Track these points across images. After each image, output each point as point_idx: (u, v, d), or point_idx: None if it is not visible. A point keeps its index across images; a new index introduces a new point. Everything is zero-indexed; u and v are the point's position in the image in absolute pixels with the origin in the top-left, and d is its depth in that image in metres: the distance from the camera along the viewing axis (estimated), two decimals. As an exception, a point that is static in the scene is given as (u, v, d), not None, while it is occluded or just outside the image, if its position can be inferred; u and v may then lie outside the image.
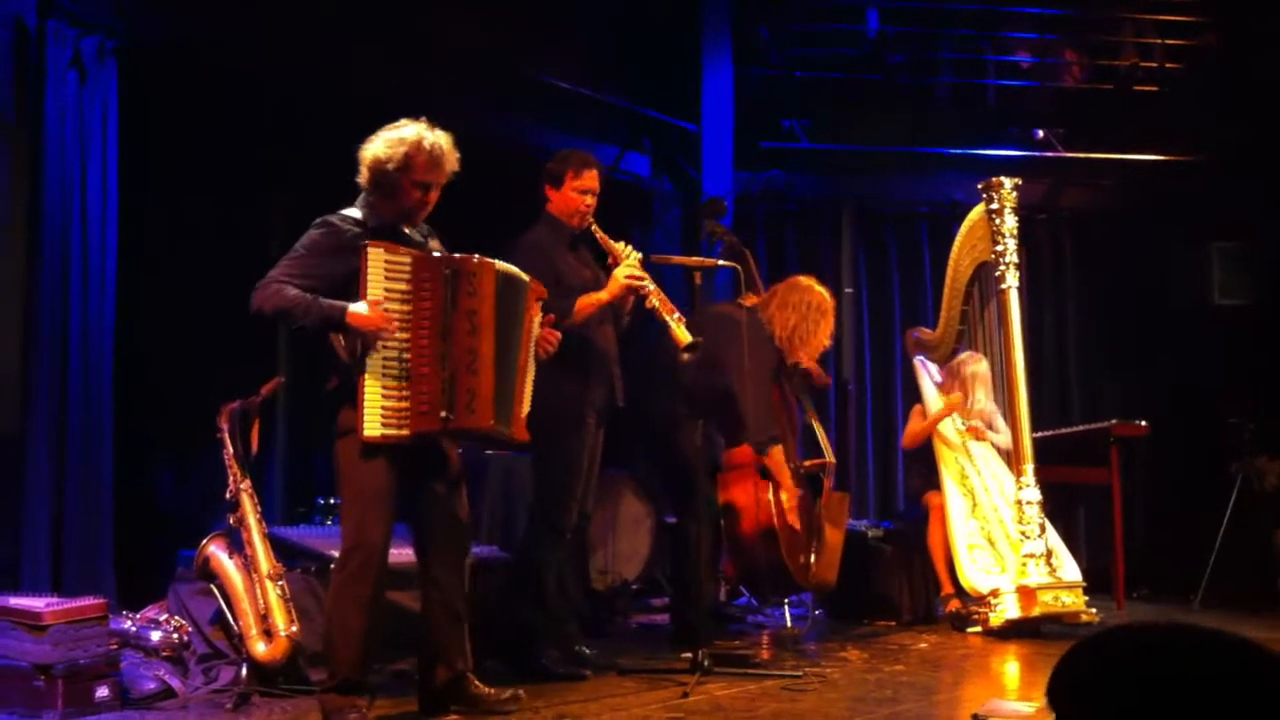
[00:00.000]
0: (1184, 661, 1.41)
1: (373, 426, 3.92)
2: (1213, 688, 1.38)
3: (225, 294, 6.15)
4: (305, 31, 6.19)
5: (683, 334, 4.92)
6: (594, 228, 5.13)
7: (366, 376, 3.92)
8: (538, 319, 4.36)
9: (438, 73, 6.66)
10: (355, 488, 4.02)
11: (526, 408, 4.27)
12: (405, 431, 3.96)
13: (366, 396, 3.91)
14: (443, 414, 3.96)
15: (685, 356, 4.95)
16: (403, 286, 3.98)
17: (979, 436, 6.73)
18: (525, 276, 4.27)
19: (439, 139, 4.11)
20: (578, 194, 5.11)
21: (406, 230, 4.20)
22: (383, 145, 4.07)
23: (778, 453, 5.78)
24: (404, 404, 3.96)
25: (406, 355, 3.97)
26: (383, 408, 3.92)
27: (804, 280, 6.05)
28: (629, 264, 5.02)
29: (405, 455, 4.04)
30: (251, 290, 4.00)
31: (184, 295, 5.96)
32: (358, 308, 3.89)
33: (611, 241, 5.09)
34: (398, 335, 3.95)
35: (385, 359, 3.94)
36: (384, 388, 3.93)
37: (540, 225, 5.17)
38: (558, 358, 4.70)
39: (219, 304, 6.13)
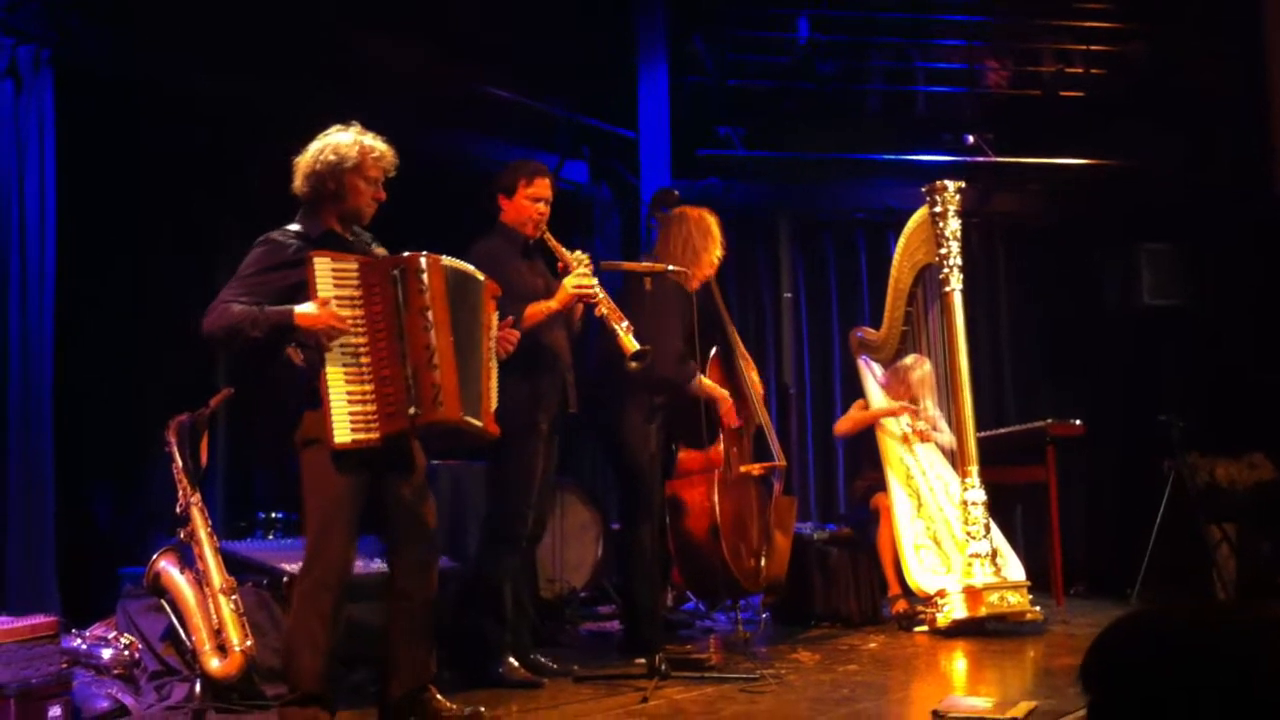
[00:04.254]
0: (1225, 642, 1.42)
1: (342, 433, 3.88)
2: (1254, 669, 1.39)
3: (167, 306, 6.11)
4: (240, 43, 6.12)
5: (630, 342, 4.95)
6: (547, 235, 5.14)
7: (329, 384, 3.88)
8: (495, 316, 4.36)
9: (377, 83, 6.61)
10: (319, 498, 3.97)
11: (494, 404, 4.26)
12: (375, 434, 3.93)
13: (332, 404, 3.87)
14: (411, 410, 3.93)
15: (632, 365, 4.97)
16: (352, 292, 3.96)
17: (926, 439, 6.81)
18: (479, 275, 4.28)
19: (375, 137, 4.16)
20: (530, 202, 5.12)
21: (350, 238, 4.18)
22: (329, 149, 4.08)
23: (703, 382, 5.78)
24: (370, 407, 3.93)
25: (365, 359, 3.94)
26: (350, 413, 3.89)
27: (678, 210, 6.01)
28: (578, 273, 5.04)
29: (372, 463, 4.00)
30: (202, 312, 3.97)
31: (125, 307, 5.88)
32: (305, 308, 3.87)
33: (564, 249, 5.10)
34: (354, 340, 3.93)
35: (345, 365, 3.91)
36: (349, 394, 3.90)
37: (493, 235, 5.15)
38: (510, 364, 4.69)
39: (160, 316, 6.07)
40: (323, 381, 3.89)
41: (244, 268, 4.04)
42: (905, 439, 6.80)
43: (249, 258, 4.05)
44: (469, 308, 4.17)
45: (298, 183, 4.12)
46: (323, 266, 3.93)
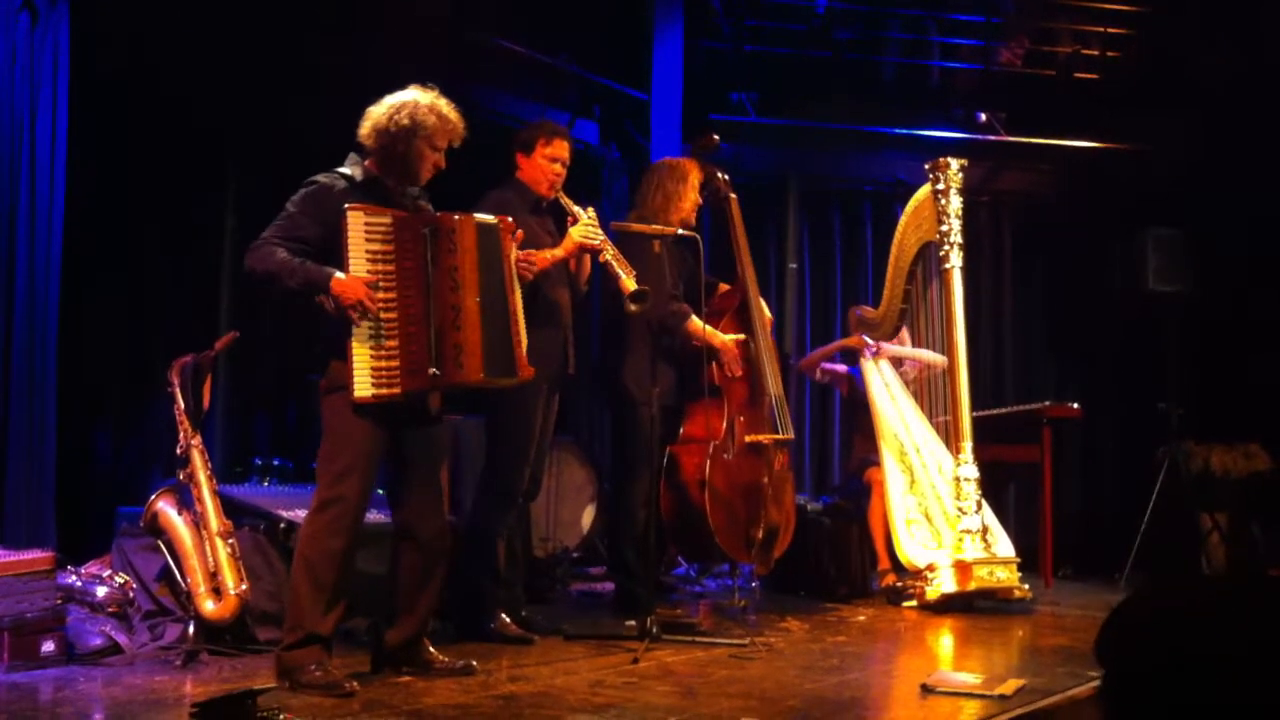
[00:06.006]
0: (1248, 616, 1.42)
1: (363, 387, 3.96)
2: (1270, 643, 1.39)
3: (172, 245, 6.11)
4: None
5: (630, 283, 5.01)
6: (560, 194, 5.18)
7: (355, 338, 3.96)
8: (514, 253, 4.35)
9: (386, 33, 6.57)
10: (339, 444, 4.03)
11: (524, 344, 4.28)
12: (396, 390, 4.00)
13: (355, 358, 3.96)
14: (431, 370, 4.00)
15: (632, 307, 5.01)
16: (384, 247, 4.03)
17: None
18: (494, 219, 4.28)
19: (450, 106, 4.19)
20: (547, 162, 5.15)
21: (398, 191, 4.22)
22: (405, 113, 4.11)
23: (695, 323, 5.79)
24: (394, 363, 4.00)
25: (392, 315, 4.00)
26: (372, 368, 3.97)
27: (656, 163, 6.12)
28: (584, 223, 5.07)
29: (393, 415, 4.06)
30: (245, 251, 4.06)
31: (131, 247, 5.87)
32: (343, 277, 3.94)
33: (574, 205, 5.12)
34: (382, 295, 3.99)
35: (372, 320, 3.98)
36: (372, 349, 3.97)
37: (506, 187, 5.18)
38: None
39: (166, 256, 6.07)
40: (349, 336, 3.96)
41: (288, 206, 4.10)
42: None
43: (294, 197, 4.11)
44: (495, 261, 4.20)
45: (364, 131, 4.16)
46: (355, 220, 4.00)
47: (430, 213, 4.22)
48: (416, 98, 4.14)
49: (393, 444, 4.12)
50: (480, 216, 4.21)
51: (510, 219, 4.37)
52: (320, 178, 4.14)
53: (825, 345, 7.22)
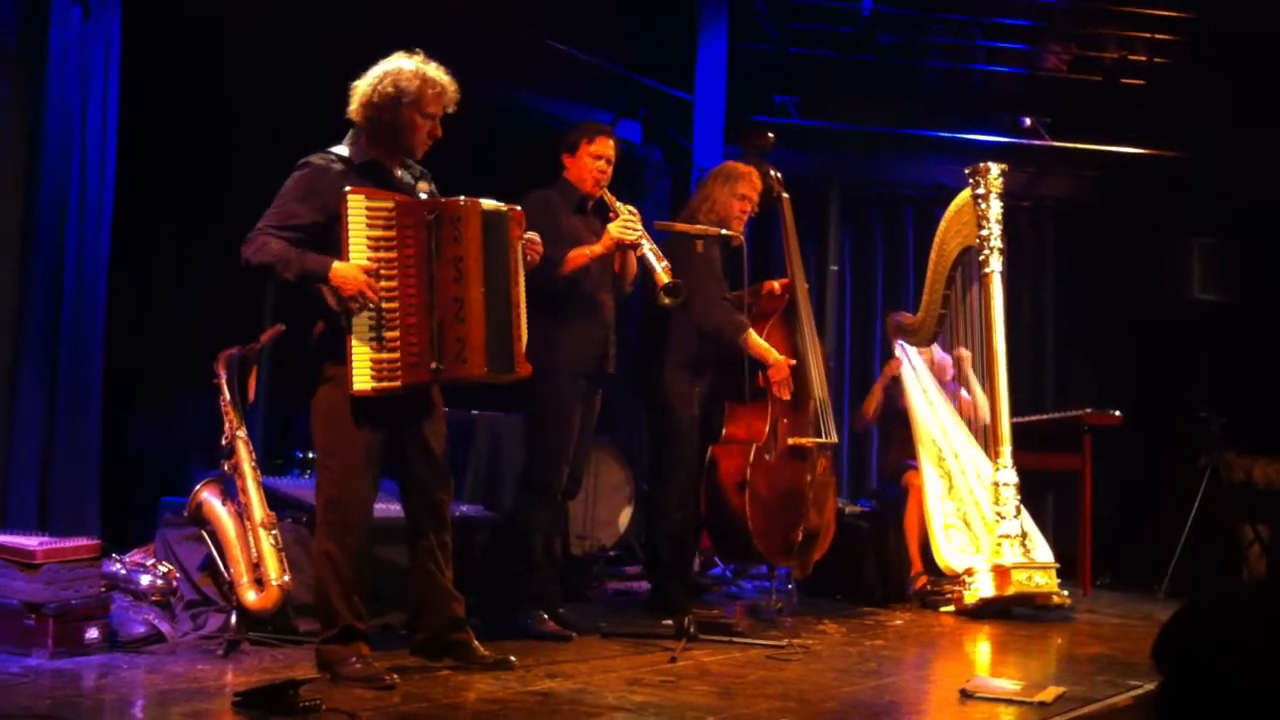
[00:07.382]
0: None
1: (362, 380, 3.86)
2: None
3: (218, 238, 6.14)
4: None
5: (663, 276, 5.00)
6: (605, 193, 5.18)
7: (354, 328, 3.85)
8: (521, 245, 4.19)
9: (432, 32, 6.57)
10: (338, 440, 3.95)
11: (524, 341, 4.14)
12: (397, 384, 3.90)
13: (354, 351, 3.85)
14: (433, 364, 3.90)
15: (665, 300, 5.02)
16: (385, 233, 3.91)
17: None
18: (503, 207, 4.12)
19: (438, 69, 4.06)
20: (591, 159, 5.16)
21: (399, 171, 4.12)
22: (389, 80, 3.98)
23: (753, 338, 5.79)
24: (394, 355, 3.89)
25: (393, 305, 3.90)
26: (372, 360, 3.87)
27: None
28: (623, 219, 5.05)
29: (392, 407, 3.98)
30: (243, 241, 3.97)
31: (176, 237, 5.91)
32: (341, 266, 3.84)
33: (616, 201, 5.13)
34: (383, 284, 3.89)
35: (372, 309, 3.88)
36: (372, 341, 3.87)
37: (552, 188, 5.20)
38: (553, 317, 4.71)
39: (211, 248, 6.10)
40: (348, 328, 3.87)
41: (283, 193, 3.99)
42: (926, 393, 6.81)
43: (288, 183, 4.00)
44: (501, 252, 4.06)
45: (353, 107, 4.03)
46: (356, 204, 3.87)
47: (435, 198, 4.10)
48: (400, 64, 4.00)
49: (393, 439, 4.04)
50: (487, 203, 4.04)
51: (520, 209, 4.21)
52: (314, 159, 4.01)
53: (872, 390, 7.19)
